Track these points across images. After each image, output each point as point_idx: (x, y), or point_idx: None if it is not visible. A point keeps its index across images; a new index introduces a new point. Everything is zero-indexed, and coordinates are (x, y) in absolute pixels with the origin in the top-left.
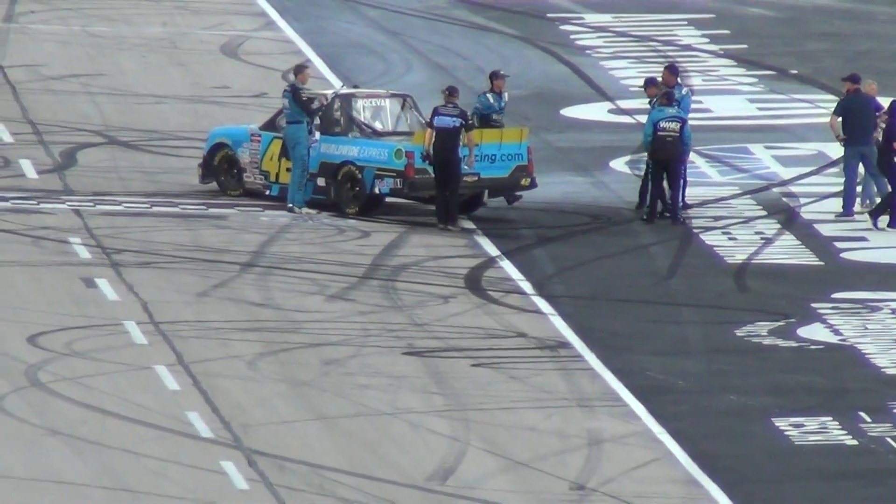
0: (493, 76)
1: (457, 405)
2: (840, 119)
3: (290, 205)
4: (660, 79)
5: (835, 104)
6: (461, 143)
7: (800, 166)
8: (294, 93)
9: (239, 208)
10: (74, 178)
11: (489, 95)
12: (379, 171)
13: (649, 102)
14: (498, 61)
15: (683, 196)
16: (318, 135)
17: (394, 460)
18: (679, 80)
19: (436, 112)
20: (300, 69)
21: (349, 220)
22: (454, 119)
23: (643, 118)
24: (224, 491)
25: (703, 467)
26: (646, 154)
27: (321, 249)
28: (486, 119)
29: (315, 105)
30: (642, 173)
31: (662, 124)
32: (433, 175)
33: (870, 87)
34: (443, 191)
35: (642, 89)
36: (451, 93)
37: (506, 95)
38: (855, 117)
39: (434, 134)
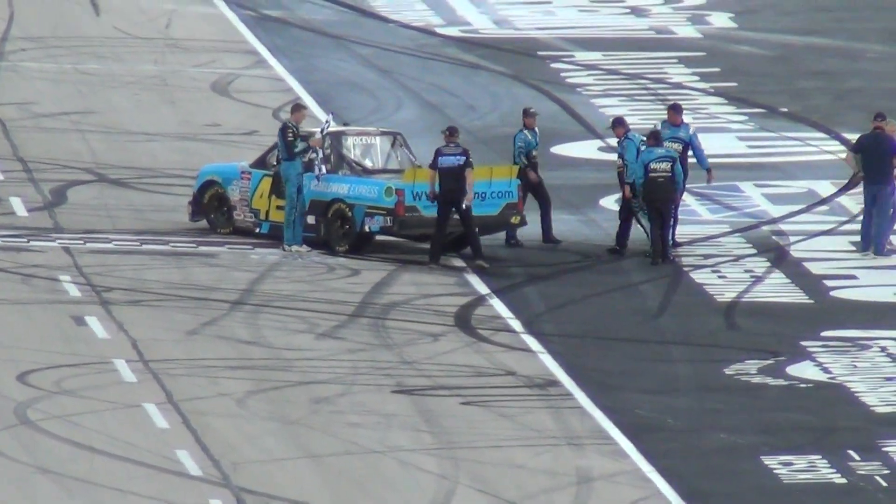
0: (525, 114)
1: (446, 443)
2: (858, 155)
3: (284, 245)
4: (657, 127)
5: (826, 141)
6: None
7: (790, 204)
8: (282, 131)
9: (229, 246)
10: (65, 216)
11: (526, 132)
12: (369, 208)
13: (618, 143)
14: (488, 99)
15: (673, 235)
16: (319, 170)
17: (383, 498)
18: (683, 119)
19: (438, 153)
20: (297, 108)
21: (339, 258)
22: (457, 158)
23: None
24: None
25: None
26: (623, 195)
27: (311, 287)
28: (527, 156)
29: (298, 148)
30: (621, 215)
31: (653, 165)
32: (437, 215)
33: (891, 128)
34: (442, 230)
35: (610, 129)
36: (451, 132)
37: (537, 132)
38: (870, 155)
39: (438, 175)
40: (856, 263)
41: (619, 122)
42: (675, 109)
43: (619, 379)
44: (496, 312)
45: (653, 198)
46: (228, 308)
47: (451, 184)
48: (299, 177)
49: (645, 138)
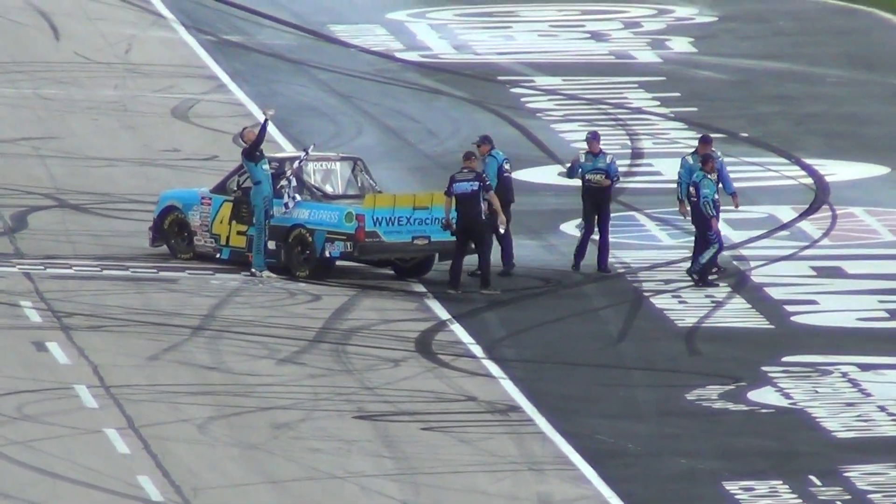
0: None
1: (407, 469)
2: None
3: (252, 270)
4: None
5: (787, 166)
6: (484, 207)
7: (750, 229)
8: (246, 149)
9: (189, 272)
10: (25, 242)
11: (581, 154)
12: (329, 234)
13: (482, 159)
14: (449, 124)
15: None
16: (291, 199)
17: None
18: (713, 148)
19: (453, 180)
20: (245, 130)
21: (300, 284)
22: (471, 184)
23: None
24: None
25: None
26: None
27: (272, 313)
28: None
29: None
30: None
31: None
32: (455, 241)
33: None
34: (461, 255)
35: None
36: (466, 157)
37: (608, 156)
38: None
39: (453, 202)
40: (816, 289)
41: (485, 140)
42: (705, 140)
43: (580, 404)
44: (457, 338)
45: (696, 220)
46: (189, 333)
47: (466, 210)
48: (267, 202)
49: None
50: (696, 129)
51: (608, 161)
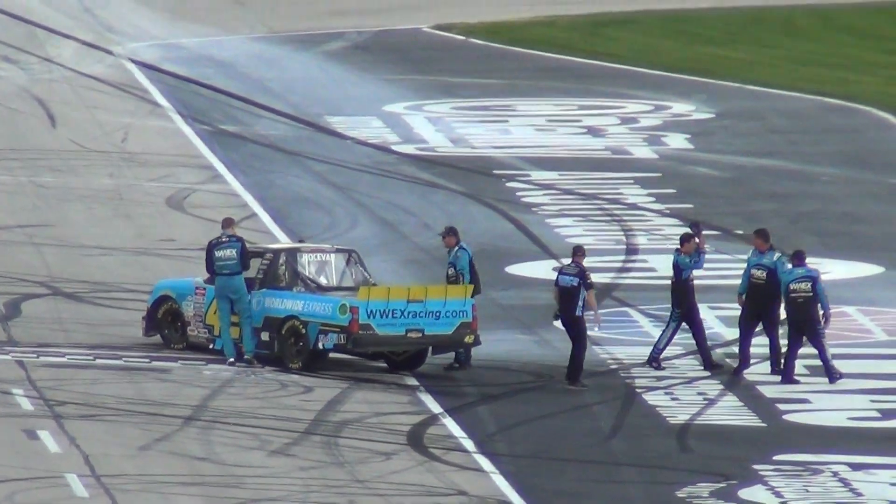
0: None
1: None
2: None
3: (231, 359)
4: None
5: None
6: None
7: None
8: (243, 244)
9: (182, 362)
10: (18, 329)
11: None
12: (323, 326)
13: (449, 252)
14: (444, 217)
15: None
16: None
17: None
18: (771, 244)
19: (560, 272)
20: (230, 221)
21: (292, 375)
22: (572, 278)
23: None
24: None
25: None
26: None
27: (264, 404)
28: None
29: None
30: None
31: (793, 286)
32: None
33: None
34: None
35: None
36: (575, 252)
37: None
38: None
39: (559, 293)
40: (809, 387)
41: (451, 232)
42: (761, 235)
43: (572, 500)
44: (449, 432)
45: (794, 318)
46: (181, 424)
47: (565, 304)
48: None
49: (779, 255)
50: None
51: (775, 259)
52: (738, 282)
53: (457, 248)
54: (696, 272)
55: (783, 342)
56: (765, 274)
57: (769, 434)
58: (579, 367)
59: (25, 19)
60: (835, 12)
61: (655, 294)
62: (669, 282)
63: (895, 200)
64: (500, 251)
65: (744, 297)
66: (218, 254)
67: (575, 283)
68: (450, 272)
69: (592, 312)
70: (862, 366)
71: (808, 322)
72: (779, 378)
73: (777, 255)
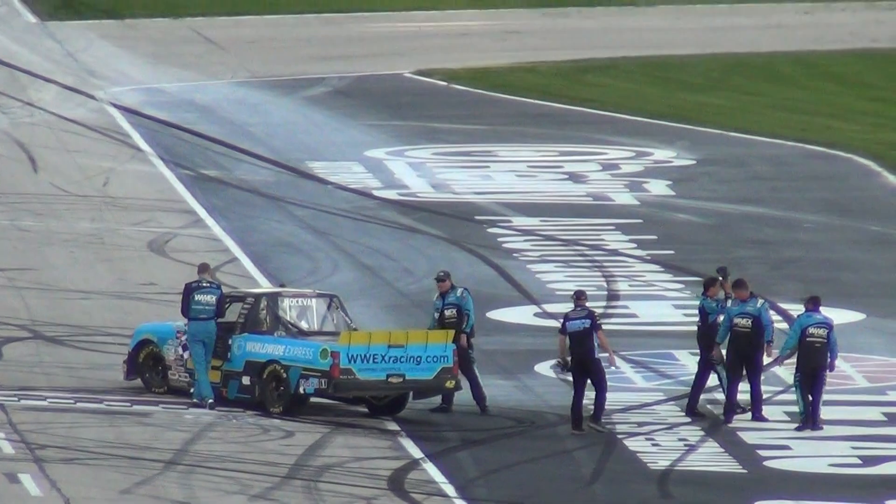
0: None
1: None
2: None
3: (210, 400)
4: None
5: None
6: (596, 344)
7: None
8: (222, 291)
9: (163, 406)
10: None
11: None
12: (304, 370)
13: (440, 296)
14: (425, 262)
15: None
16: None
17: None
18: (752, 291)
19: (566, 318)
20: (207, 267)
21: (273, 420)
22: (583, 321)
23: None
24: None
25: None
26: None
27: (245, 448)
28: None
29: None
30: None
31: (811, 330)
32: (572, 379)
33: None
34: (580, 394)
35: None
36: (578, 297)
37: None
38: None
39: (567, 340)
40: (790, 434)
41: (448, 276)
42: (741, 286)
43: None
44: (430, 477)
45: (809, 363)
46: (162, 467)
47: (577, 348)
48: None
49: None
50: (672, 271)
51: (758, 306)
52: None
53: (460, 290)
54: (673, 317)
55: (768, 387)
56: (750, 322)
57: (750, 480)
58: (602, 408)
59: (7, 63)
60: (817, 59)
61: (637, 340)
62: (696, 327)
63: (878, 248)
64: (482, 296)
65: (721, 346)
66: (197, 297)
67: (587, 325)
68: (448, 313)
69: (607, 353)
70: (843, 412)
71: (820, 369)
72: (757, 422)
73: (760, 301)
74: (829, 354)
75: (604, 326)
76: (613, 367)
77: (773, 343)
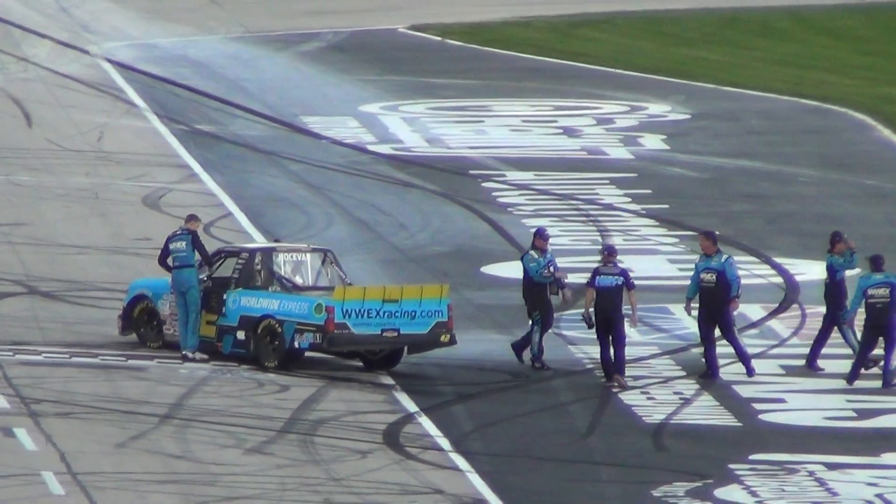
0: (836, 237)
1: None
2: None
3: (185, 351)
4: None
5: (757, 265)
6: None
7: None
8: (194, 236)
9: (158, 360)
10: None
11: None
12: (299, 325)
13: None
14: (419, 217)
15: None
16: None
17: None
18: (718, 247)
19: (596, 272)
20: (193, 218)
21: (268, 374)
22: (616, 278)
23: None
24: None
25: None
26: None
27: (240, 402)
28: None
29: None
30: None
31: (871, 291)
32: (597, 334)
33: None
34: (605, 351)
35: (839, 239)
36: (609, 252)
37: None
38: None
39: (595, 294)
40: (785, 387)
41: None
42: (709, 237)
43: (547, 499)
44: (425, 430)
45: (874, 323)
46: (157, 422)
47: (607, 304)
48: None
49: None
50: (667, 225)
51: (722, 260)
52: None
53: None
54: (668, 271)
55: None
56: (714, 277)
57: (745, 434)
58: (623, 362)
59: (1, 19)
60: (811, 14)
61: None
62: (823, 284)
63: (872, 201)
64: (476, 251)
65: (691, 301)
66: (171, 245)
67: (620, 283)
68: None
69: (632, 312)
70: (838, 365)
71: (887, 327)
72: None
73: (725, 256)
74: (891, 313)
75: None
76: (634, 328)
77: (739, 297)
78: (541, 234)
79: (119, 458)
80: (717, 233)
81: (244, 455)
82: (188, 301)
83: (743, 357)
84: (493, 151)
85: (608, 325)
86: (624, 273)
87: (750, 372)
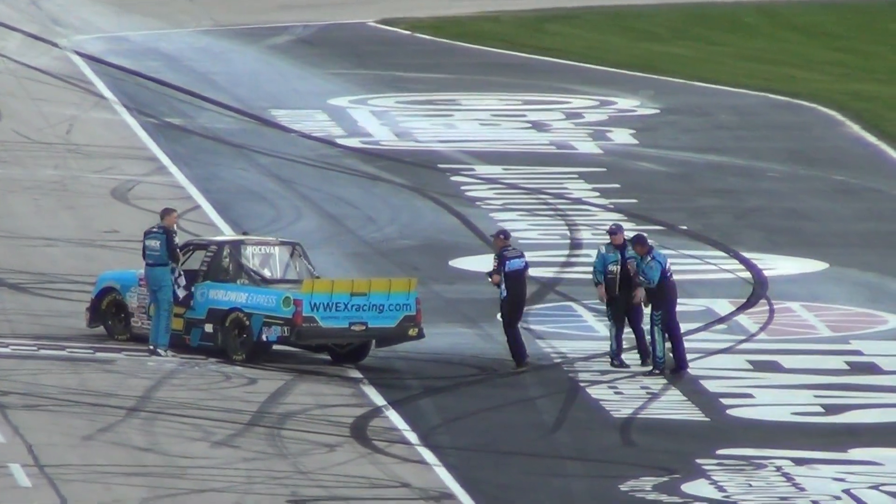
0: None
1: None
2: None
3: (153, 346)
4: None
5: (725, 260)
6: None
7: (687, 322)
8: (168, 235)
9: (126, 353)
10: None
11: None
12: (267, 318)
13: (640, 258)
14: (388, 211)
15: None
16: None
17: None
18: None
19: (504, 257)
20: (168, 212)
21: (236, 367)
22: (521, 259)
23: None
24: None
25: None
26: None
27: (207, 395)
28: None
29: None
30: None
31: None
32: (507, 316)
33: None
34: (515, 328)
35: None
36: (506, 236)
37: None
38: None
39: (505, 277)
40: (752, 382)
41: (640, 240)
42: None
43: (514, 493)
44: (392, 424)
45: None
46: (124, 414)
47: (518, 284)
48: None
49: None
50: (636, 220)
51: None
52: (680, 277)
53: (649, 256)
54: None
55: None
56: (616, 268)
57: (712, 429)
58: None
59: None
60: (781, 9)
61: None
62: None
63: (840, 197)
64: (445, 245)
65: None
66: (147, 243)
67: (525, 264)
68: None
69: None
70: (805, 361)
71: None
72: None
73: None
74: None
75: (566, 276)
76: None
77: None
78: (639, 240)
79: (86, 450)
80: (685, 227)
81: (211, 448)
82: (159, 300)
83: (641, 349)
84: (462, 145)
85: (520, 304)
86: (522, 254)
87: (643, 361)
